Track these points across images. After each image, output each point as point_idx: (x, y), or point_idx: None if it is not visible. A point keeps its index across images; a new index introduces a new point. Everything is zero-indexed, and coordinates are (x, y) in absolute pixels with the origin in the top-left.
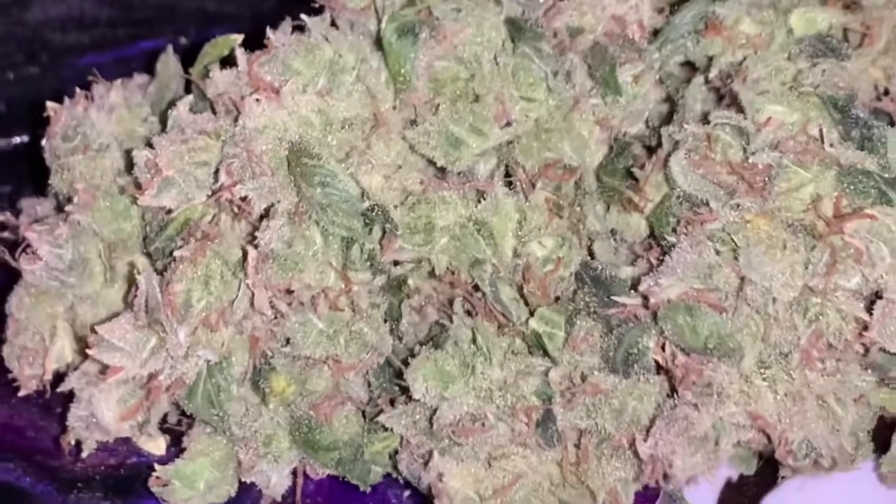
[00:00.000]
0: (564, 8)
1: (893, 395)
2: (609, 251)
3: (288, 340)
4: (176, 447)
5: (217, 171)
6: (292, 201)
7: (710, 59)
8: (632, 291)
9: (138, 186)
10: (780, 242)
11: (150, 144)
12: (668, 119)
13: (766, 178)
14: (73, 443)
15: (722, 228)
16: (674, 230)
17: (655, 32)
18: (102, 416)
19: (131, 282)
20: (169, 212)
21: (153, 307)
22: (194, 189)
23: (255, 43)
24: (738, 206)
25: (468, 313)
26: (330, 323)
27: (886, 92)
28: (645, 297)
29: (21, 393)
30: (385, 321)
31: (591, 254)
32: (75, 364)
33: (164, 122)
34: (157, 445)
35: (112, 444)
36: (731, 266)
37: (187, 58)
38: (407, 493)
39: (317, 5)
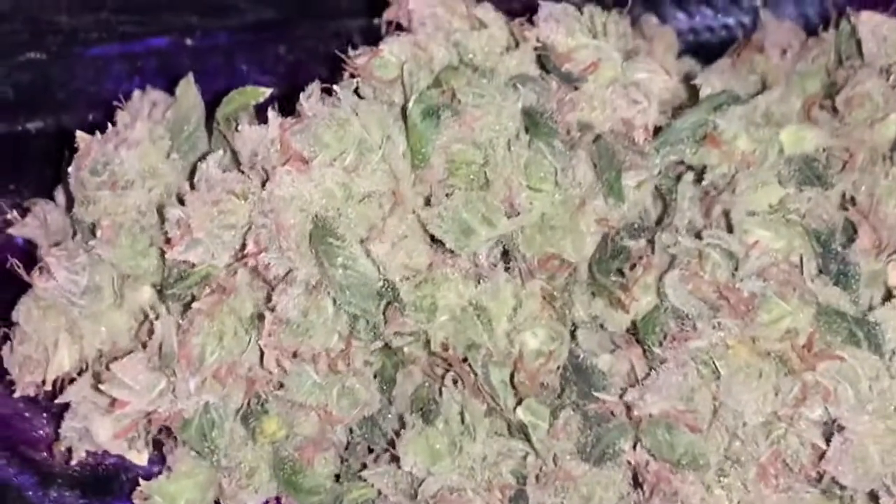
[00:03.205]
0: (577, 101)
1: None
2: (592, 340)
3: (281, 385)
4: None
5: (243, 234)
6: (310, 272)
7: (704, 166)
8: (610, 384)
9: (167, 241)
10: (756, 371)
11: (180, 200)
12: (659, 217)
13: (750, 307)
14: (63, 450)
15: (706, 350)
16: (660, 343)
17: (657, 130)
18: (97, 433)
19: (137, 309)
20: (193, 265)
21: (167, 354)
22: (220, 249)
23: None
24: (720, 325)
25: (455, 382)
26: (325, 376)
27: (853, 201)
28: (627, 406)
29: (16, 395)
30: (375, 377)
31: (573, 338)
32: (71, 372)
33: (181, 151)
34: (140, 457)
35: None
36: (710, 389)
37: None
38: None
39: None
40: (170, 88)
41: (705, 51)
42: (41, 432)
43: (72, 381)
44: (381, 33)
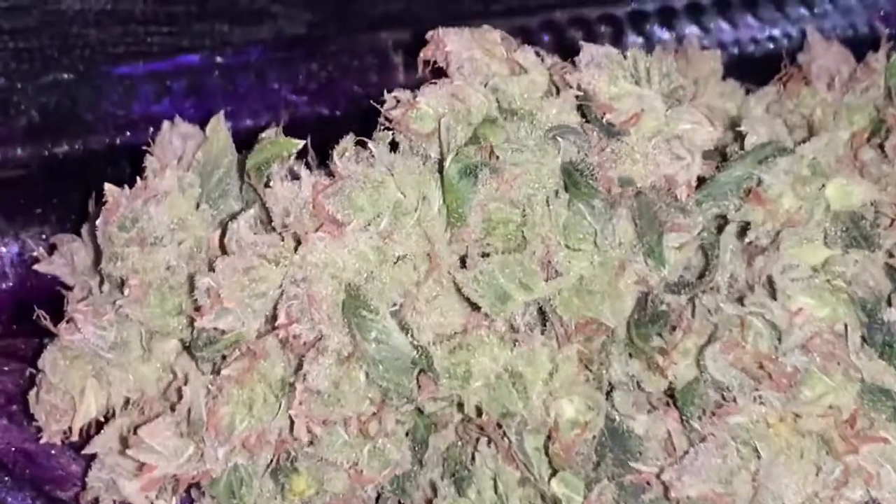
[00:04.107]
0: (619, 154)
1: None
2: (628, 401)
3: (311, 442)
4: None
5: (275, 301)
6: (342, 341)
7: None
8: (646, 450)
9: (197, 309)
10: (797, 452)
11: (210, 266)
12: (701, 272)
13: (792, 382)
14: (90, 500)
15: (746, 428)
16: (699, 417)
17: (700, 181)
18: (124, 487)
19: (165, 360)
20: (223, 332)
21: (196, 421)
22: (250, 318)
23: None
24: (761, 399)
25: (489, 444)
26: (355, 437)
27: None
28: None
29: (42, 440)
30: (406, 434)
31: (609, 398)
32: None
33: (211, 199)
34: None
35: None
36: (749, 471)
37: (225, 75)
38: None
39: None
40: (200, 109)
41: (749, 64)
42: (67, 470)
43: (99, 425)
44: (416, 48)
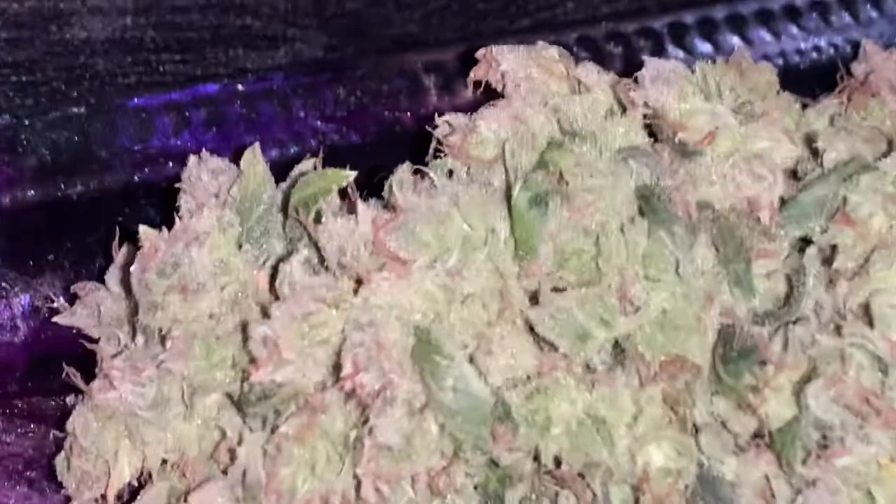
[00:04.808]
0: (696, 177)
1: None
2: (715, 443)
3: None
4: None
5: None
6: (412, 390)
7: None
8: (739, 496)
9: (252, 360)
10: None
11: (264, 312)
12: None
13: None
14: None
15: (857, 472)
16: (803, 461)
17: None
18: None
19: (206, 417)
20: (279, 385)
21: (252, 485)
22: (311, 368)
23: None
24: (868, 437)
25: (567, 497)
26: (422, 492)
27: None
28: None
29: None
30: (475, 488)
31: (695, 442)
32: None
33: (252, 238)
34: None
35: None
36: None
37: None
38: None
39: None
40: (222, 140)
41: (794, 75)
42: None
43: (133, 491)
44: (450, 69)
